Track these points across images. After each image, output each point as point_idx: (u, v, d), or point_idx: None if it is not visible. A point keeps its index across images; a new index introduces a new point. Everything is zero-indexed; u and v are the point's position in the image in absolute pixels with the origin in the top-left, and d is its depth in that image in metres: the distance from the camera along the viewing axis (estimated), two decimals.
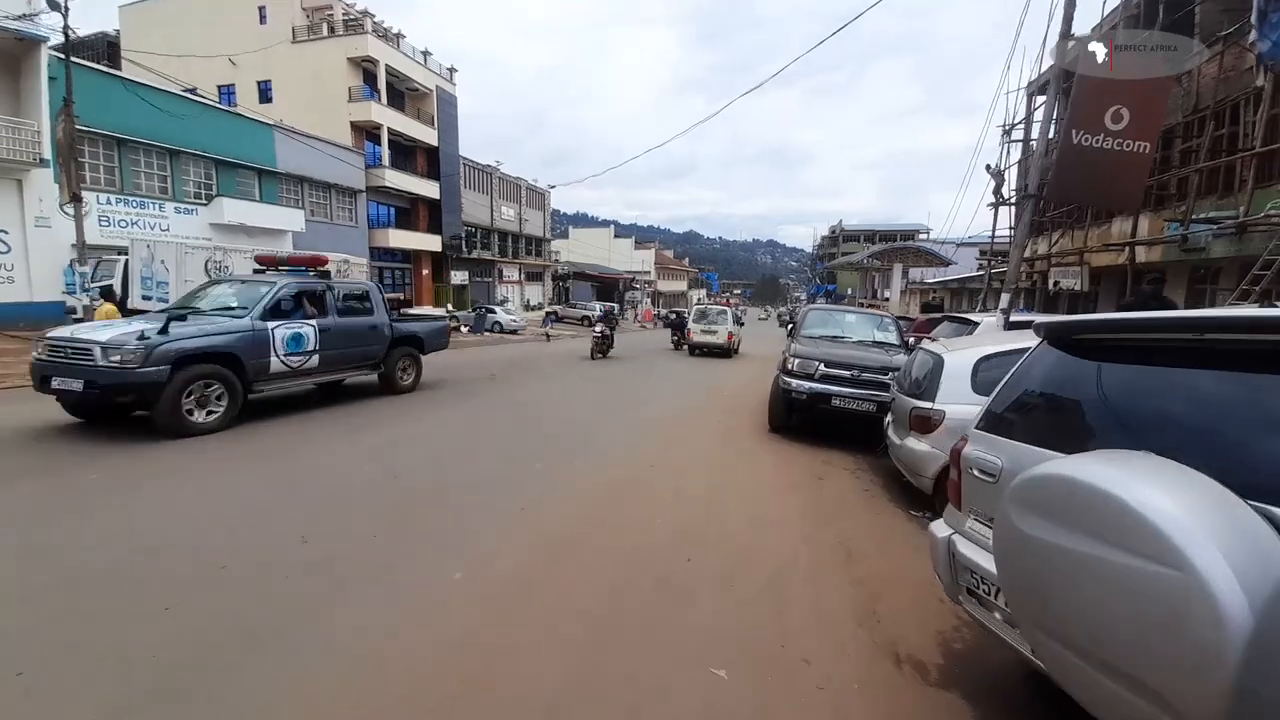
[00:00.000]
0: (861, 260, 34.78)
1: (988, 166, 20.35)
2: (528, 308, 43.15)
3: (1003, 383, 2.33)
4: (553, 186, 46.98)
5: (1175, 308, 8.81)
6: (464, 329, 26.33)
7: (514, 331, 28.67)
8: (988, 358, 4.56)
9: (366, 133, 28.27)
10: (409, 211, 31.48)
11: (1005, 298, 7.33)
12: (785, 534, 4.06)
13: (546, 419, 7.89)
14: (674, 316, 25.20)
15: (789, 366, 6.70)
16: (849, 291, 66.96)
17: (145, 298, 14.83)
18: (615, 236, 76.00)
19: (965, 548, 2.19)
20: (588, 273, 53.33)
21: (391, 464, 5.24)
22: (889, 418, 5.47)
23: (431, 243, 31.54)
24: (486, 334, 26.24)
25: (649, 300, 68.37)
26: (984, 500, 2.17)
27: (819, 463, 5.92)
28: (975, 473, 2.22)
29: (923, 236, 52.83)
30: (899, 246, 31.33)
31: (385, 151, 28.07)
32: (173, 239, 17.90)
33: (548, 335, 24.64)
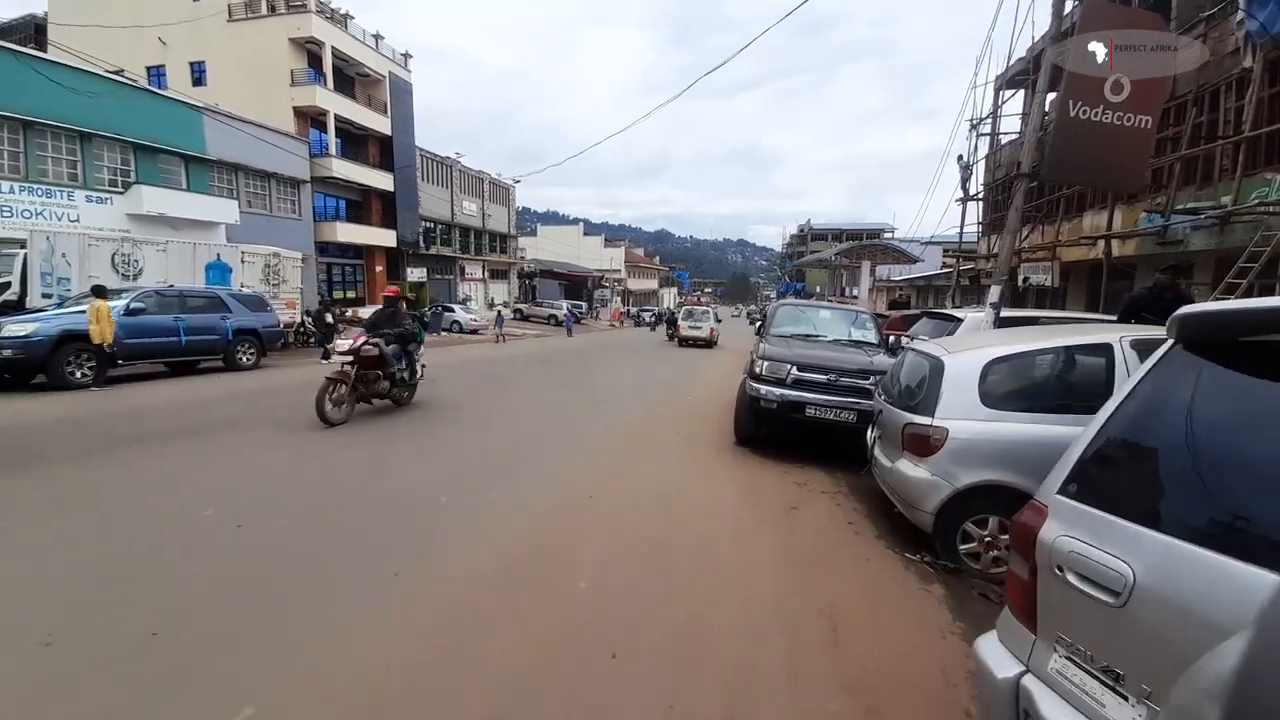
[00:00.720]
0: (830, 258, 34.41)
1: (960, 158, 19.95)
2: (492, 306, 41.62)
3: (1104, 416, 1.38)
4: (517, 180, 45.44)
5: (1192, 300, 8.11)
6: None
7: (474, 331, 27.31)
8: (1000, 360, 3.68)
9: (312, 119, 26.44)
10: (360, 205, 29.69)
11: (995, 290, 6.54)
12: (749, 601, 3.08)
13: (478, 434, 6.82)
14: (670, 314, 30.86)
15: (757, 370, 5.77)
16: (818, 289, 67.06)
17: (45, 295, 13.15)
18: (585, 234, 74.60)
19: (1053, 710, 1.23)
20: (555, 271, 51.96)
21: (246, 510, 4.09)
22: (874, 432, 4.57)
23: (386, 238, 29.83)
24: (444, 334, 24.82)
25: (619, 299, 67.31)
26: (1091, 630, 1.23)
27: (792, 485, 5.01)
28: (1072, 578, 1.26)
29: (888, 235, 53.13)
30: (867, 244, 31.03)
31: (332, 139, 26.29)
32: (82, 230, 16.06)
33: (500, 336, 23.07)
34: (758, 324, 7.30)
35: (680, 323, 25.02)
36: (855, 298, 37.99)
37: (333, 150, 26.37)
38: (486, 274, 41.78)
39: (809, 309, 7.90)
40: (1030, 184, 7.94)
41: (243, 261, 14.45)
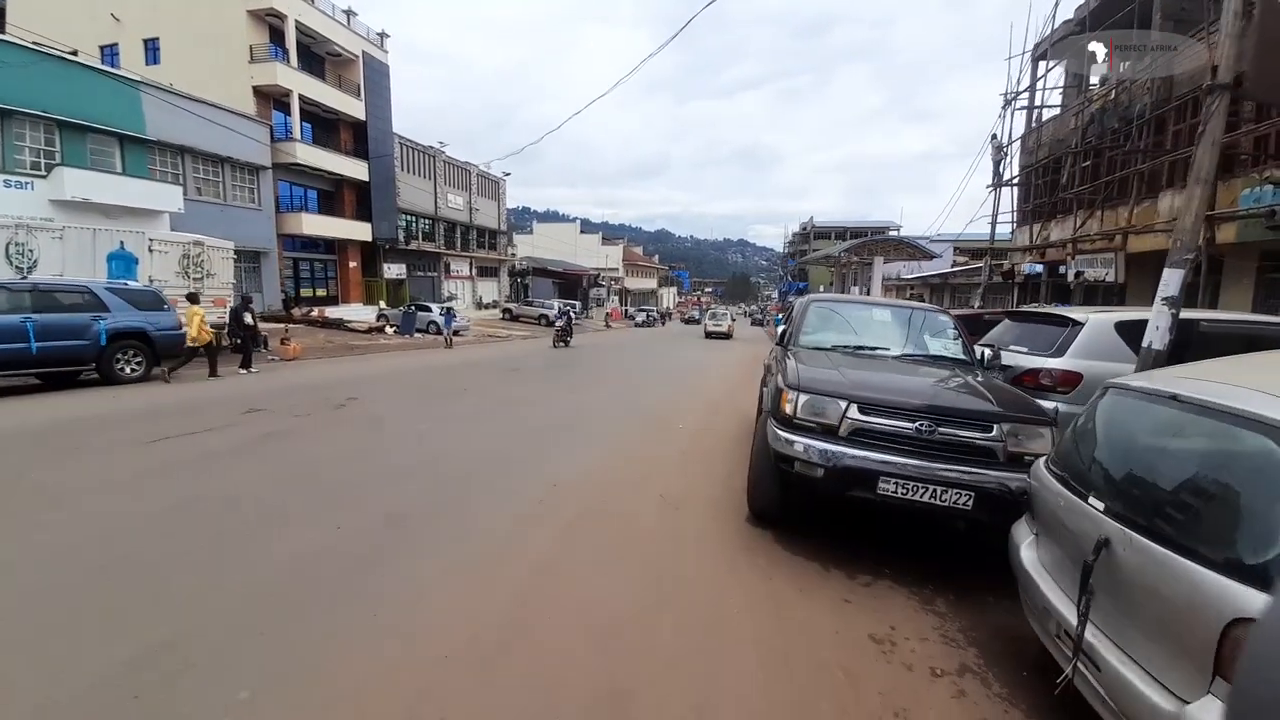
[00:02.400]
0: (838, 254, 32.10)
1: (993, 137, 17.64)
2: (480, 305, 39.34)
3: None
4: (507, 174, 43.07)
5: None
6: (389, 329, 22.58)
7: (455, 333, 25.00)
8: None
9: (275, 101, 24.15)
10: (333, 195, 27.40)
11: (1173, 279, 4.20)
12: None
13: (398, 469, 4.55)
14: (698, 314, 43.08)
15: (786, 409, 3.45)
16: (820, 289, 64.80)
17: None
18: (582, 232, 72.23)
19: None
20: (549, 269, 49.65)
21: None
22: (1044, 549, 2.25)
23: (360, 231, 27.54)
24: (418, 336, 22.53)
25: (616, 299, 65.00)
26: None
27: (864, 640, 2.70)
28: None
29: (892, 233, 50.78)
30: (880, 239, 28.72)
31: (296, 122, 23.99)
32: None
33: (449, 341, 20.36)
34: (782, 330, 4.60)
35: (706, 322, 34.41)
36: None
37: (297, 134, 24.07)
38: (474, 271, 39.49)
39: (854, 307, 5.35)
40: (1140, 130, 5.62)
41: (151, 251, 12.13)
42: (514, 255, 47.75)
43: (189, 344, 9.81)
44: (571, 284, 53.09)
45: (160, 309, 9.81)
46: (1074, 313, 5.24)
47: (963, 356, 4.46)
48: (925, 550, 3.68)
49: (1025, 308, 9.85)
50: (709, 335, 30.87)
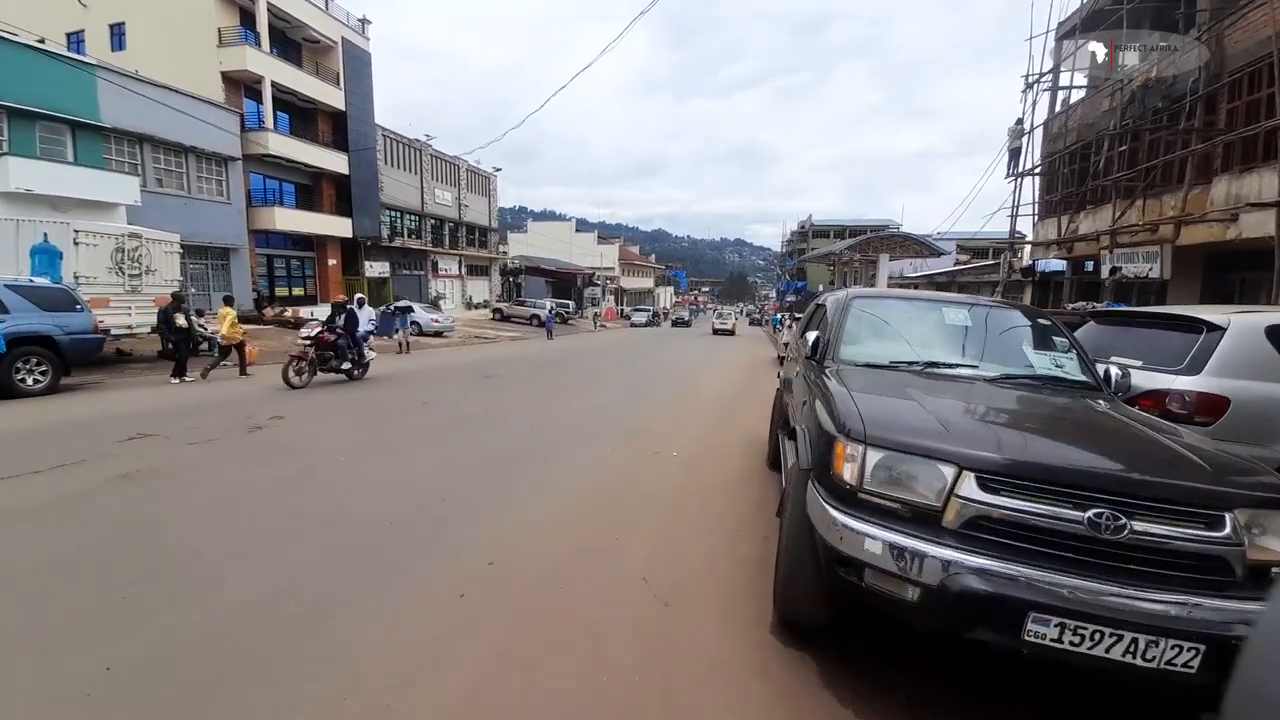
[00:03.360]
0: (840, 250, 30.81)
1: (1017, 122, 16.35)
2: (470, 305, 37.96)
3: None
4: (498, 170, 41.74)
5: None
6: None
7: (437, 334, 23.66)
8: None
9: (246, 88, 22.72)
10: (310, 189, 25.98)
11: None
12: None
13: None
14: (688, 315, 47.49)
15: (847, 475, 2.12)
16: (819, 288, 63.45)
17: None
18: (577, 231, 70.82)
19: None
20: (543, 267, 48.24)
21: None
22: None
23: (340, 227, 26.12)
24: (396, 337, 21.12)
25: (611, 298, 63.65)
26: None
27: None
28: None
29: (892, 231, 49.47)
30: (886, 234, 27.45)
31: (269, 110, 22.56)
32: None
33: (404, 345, 18.20)
34: (814, 339, 3.09)
35: (714, 320, 42.42)
36: None
37: (269, 123, 22.63)
38: (463, 270, 38.09)
39: (915, 305, 3.81)
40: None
41: (77, 244, 10.72)
42: (505, 253, 46.37)
43: (221, 343, 10.89)
44: (566, 283, 51.71)
45: (72, 309, 8.43)
46: (1206, 313, 3.91)
47: (1084, 378, 3.10)
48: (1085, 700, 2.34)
49: (1121, 308, 8.44)
50: (716, 331, 37.24)
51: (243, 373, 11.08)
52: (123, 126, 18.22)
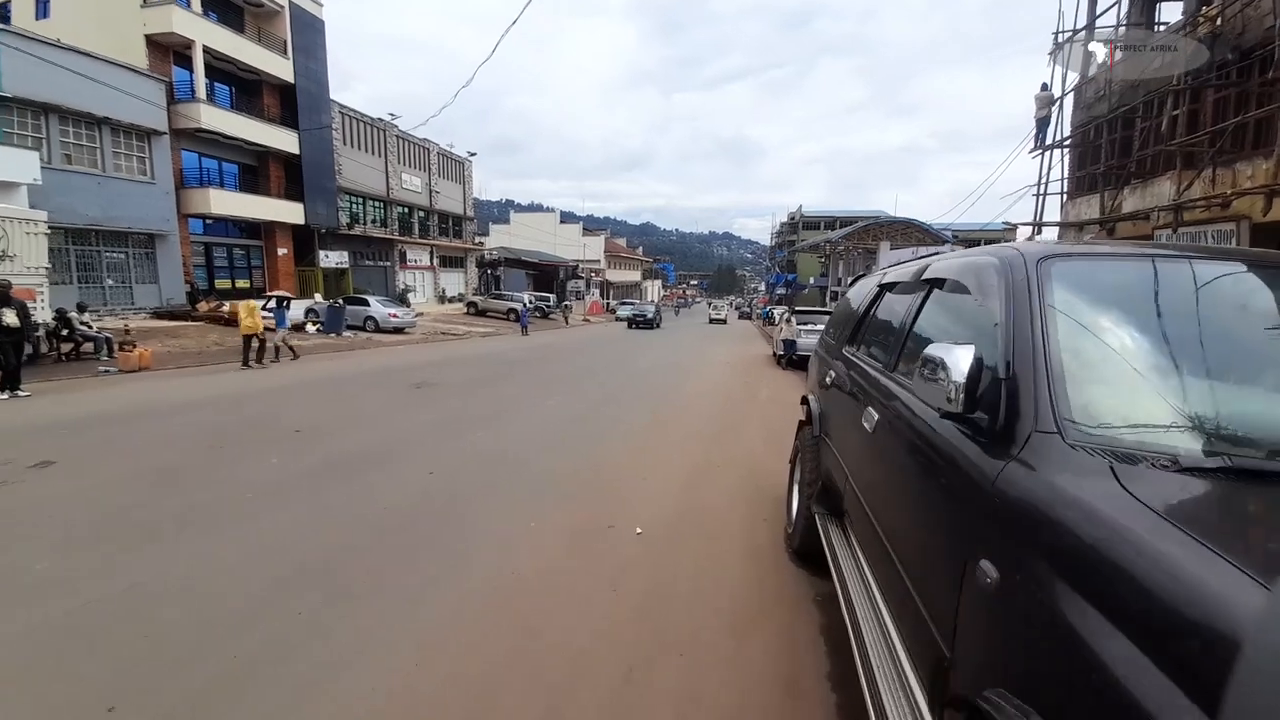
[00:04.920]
0: (839, 237, 28.93)
1: (1043, 87, 14.44)
2: (443, 299, 35.60)
3: None
4: (473, 154, 39.16)
5: None
6: (310, 328, 18.87)
7: (398, 330, 21.39)
8: None
9: (176, 54, 20.19)
10: (255, 170, 23.51)
11: None
12: None
13: None
14: (651, 313, 34.29)
15: None
16: (810, 281, 61.61)
17: None
18: (562, 222, 68.32)
19: None
20: (523, 259, 45.90)
21: None
22: None
23: (290, 212, 23.69)
24: (350, 335, 18.87)
25: (597, 291, 61.44)
26: None
27: None
28: None
29: (894, 217, 47.76)
30: (888, 219, 25.56)
31: (200, 78, 20.05)
32: None
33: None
34: (958, 361, 0.89)
35: (710, 312, 47.70)
36: None
37: (200, 93, 20.11)
38: (436, 261, 35.66)
39: (1178, 276, 1.50)
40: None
41: None
42: (482, 244, 43.96)
43: (243, 333, 11.56)
44: (548, 276, 49.43)
45: None
46: None
47: None
48: None
49: None
50: (711, 321, 43.33)
51: (247, 364, 11.47)
52: (23, 95, 15.71)
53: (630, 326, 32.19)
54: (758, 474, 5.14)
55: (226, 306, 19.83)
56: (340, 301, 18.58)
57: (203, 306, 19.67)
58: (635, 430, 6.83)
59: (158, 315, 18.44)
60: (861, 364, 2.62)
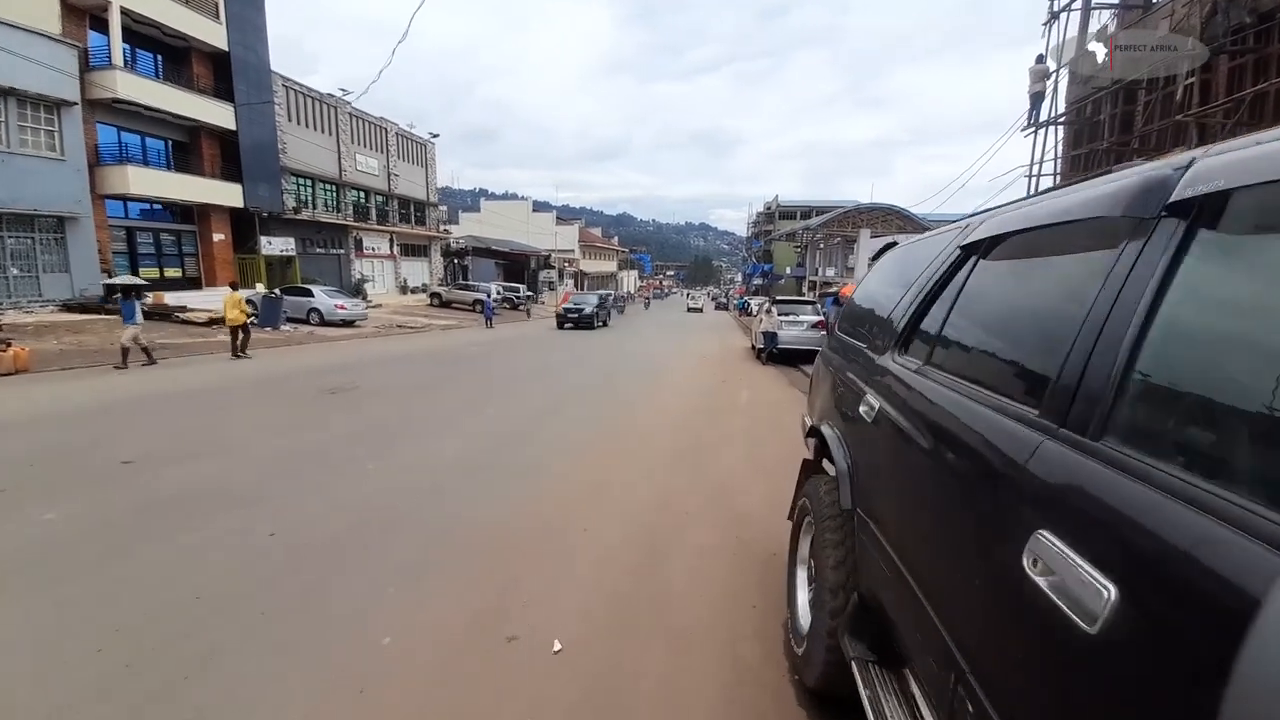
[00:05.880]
0: (815, 226, 27.96)
1: (1040, 57, 13.46)
2: (404, 289, 33.68)
3: None
4: (435, 136, 37.05)
5: None
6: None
7: (347, 324, 19.69)
8: None
9: (93, 19, 18.00)
10: (187, 147, 21.39)
11: None
12: None
13: None
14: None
15: None
16: (787, 270, 60.88)
17: None
18: (534, 211, 66.23)
19: None
20: (493, 248, 43.97)
21: None
22: None
23: (226, 194, 21.66)
24: (289, 329, 17.12)
25: (571, 282, 59.78)
26: None
27: None
28: None
29: (875, 204, 47.06)
30: (870, 206, 24.58)
31: (117, 43, 17.92)
32: None
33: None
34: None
35: (688, 301, 51.81)
36: (842, 280, 31.82)
37: (118, 59, 17.98)
38: (396, 249, 33.68)
39: None
40: None
41: None
42: (448, 232, 41.96)
43: (229, 325, 12.13)
44: (519, 266, 47.62)
45: None
46: None
47: None
48: None
49: None
50: (689, 310, 45.67)
51: (237, 355, 12.23)
52: None
53: (560, 326, 23.47)
54: (740, 519, 3.94)
55: (150, 298, 17.90)
56: (277, 292, 16.80)
57: (120, 299, 17.70)
58: (583, 452, 5.54)
59: (68, 308, 16.46)
60: (950, 389, 1.39)
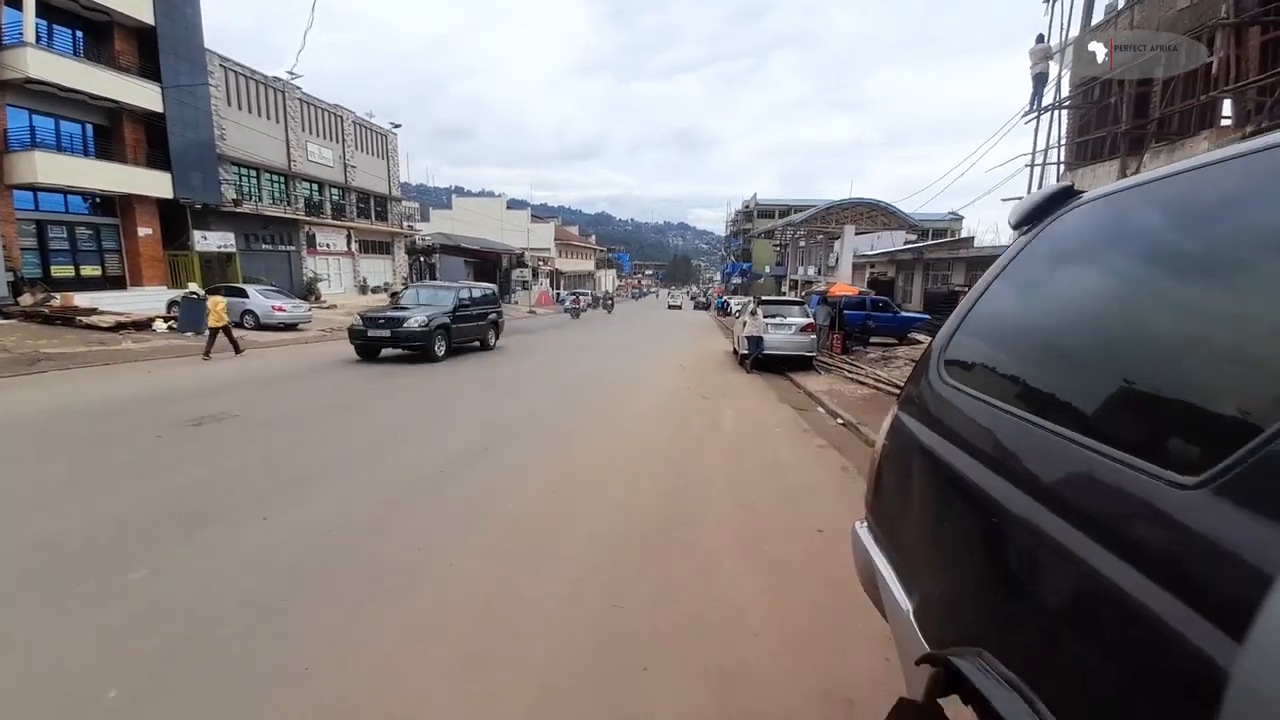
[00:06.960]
0: (799, 222, 26.83)
1: (1040, 37, 12.36)
2: (364, 289, 31.64)
3: None
4: (397, 126, 34.98)
5: None
6: (160, 325, 15.16)
7: (289, 327, 17.81)
8: None
9: None
10: (109, 131, 19.24)
11: None
12: None
13: None
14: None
15: None
16: (765, 269, 59.97)
17: None
18: (509, 208, 64.15)
19: None
20: (462, 246, 41.97)
21: None
22: None
23: (152, 183, 19.55)
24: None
25: (546, 282, 57.91)
26: None
27: None
28: None
29: (859, 199, 46.21)
30: (854, 201, 23.47)
31: (30, 18, 15.81)
32: None
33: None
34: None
35: (668, 300, 55.92)
36: (827, 280, 30.80)
37: (29, 35, 15.87)
38: (355, 246, 31.62)
39: None
40: None
41: None
42: (414, 229, 39.91)
43: (211, 325, 12.19)
44: (490, 264, 45.68)
45: None
46: None
47: None
48: None
49: None
50: (670, 307, 49.35)
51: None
52: None
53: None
54: (735, 675, 2.46)
55: (56, 300, 15.85)
56: (199, 293, 14.85)
57: (27, 299, 15.61)
58: (506, 522, 3.92)
59: None
60: None
